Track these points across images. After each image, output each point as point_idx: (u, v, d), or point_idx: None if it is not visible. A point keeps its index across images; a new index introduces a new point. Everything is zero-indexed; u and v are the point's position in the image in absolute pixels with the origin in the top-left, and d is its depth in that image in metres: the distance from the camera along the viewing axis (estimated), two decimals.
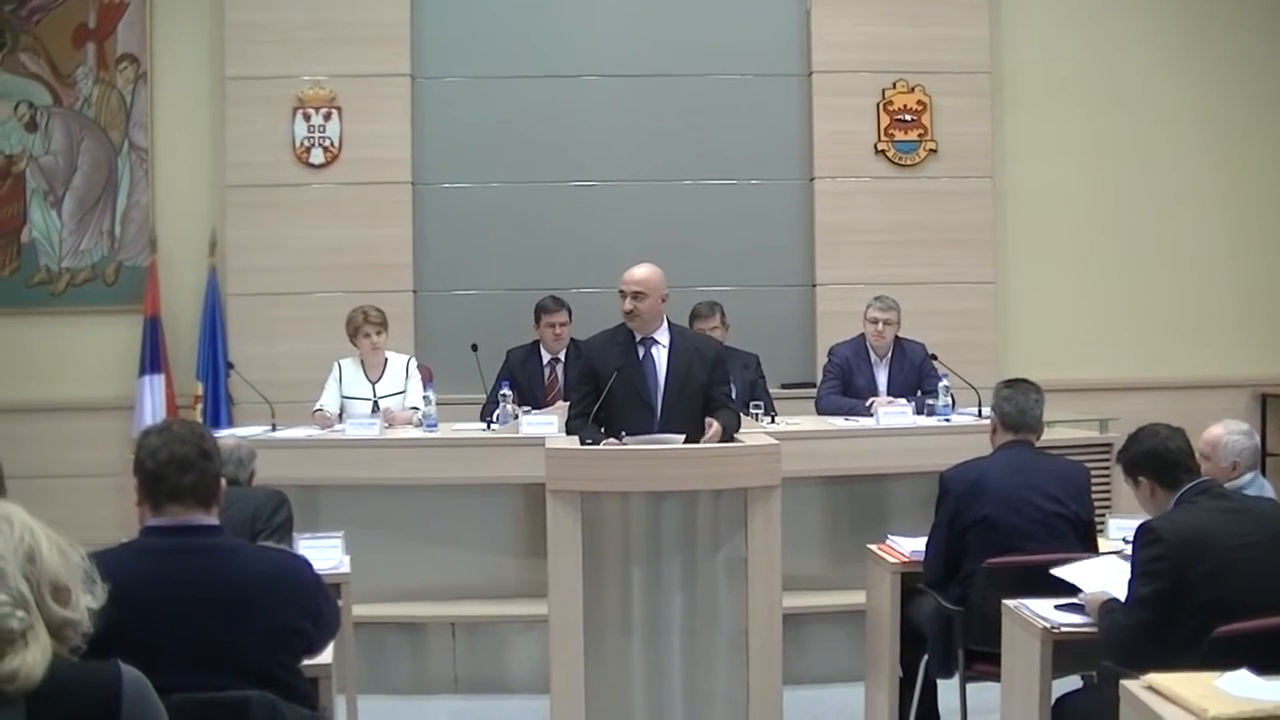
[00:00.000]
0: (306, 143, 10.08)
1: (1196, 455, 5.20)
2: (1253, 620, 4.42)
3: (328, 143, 10.09)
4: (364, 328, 8.26)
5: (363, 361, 8.36)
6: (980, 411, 8.03)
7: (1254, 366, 10.88)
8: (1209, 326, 10.86)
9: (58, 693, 2.80)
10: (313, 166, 10.11)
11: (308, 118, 10.07)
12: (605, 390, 6.39)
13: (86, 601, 2.94)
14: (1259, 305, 10.93)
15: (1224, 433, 6.07)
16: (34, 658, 2.78)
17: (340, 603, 5.57)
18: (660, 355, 6.61)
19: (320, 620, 3.95)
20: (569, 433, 6.56)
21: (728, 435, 6.36)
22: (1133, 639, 4.66)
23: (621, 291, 6.58)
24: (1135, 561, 4.76)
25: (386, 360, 8.39)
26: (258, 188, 10.04)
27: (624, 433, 6.20)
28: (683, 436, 6.18)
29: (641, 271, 6.61)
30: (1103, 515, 6.56)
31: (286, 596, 3.82)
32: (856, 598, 6.90)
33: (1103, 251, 10.79)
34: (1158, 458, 4.98)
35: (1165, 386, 10.34)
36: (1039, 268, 10.69)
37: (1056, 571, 5.24)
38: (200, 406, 9.81)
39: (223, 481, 3.95)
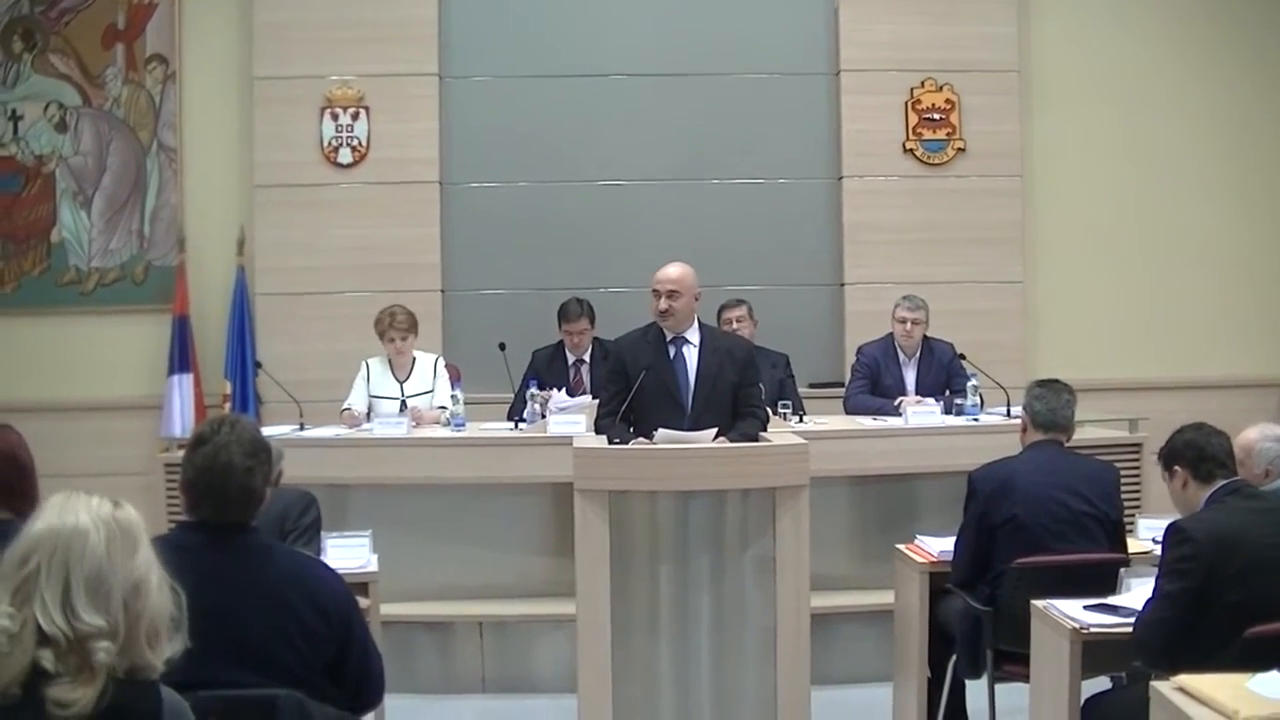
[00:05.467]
0: (335, 142, 10.09)
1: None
2: None
3: (356, 142, 10.10)
4: (389, 332, 8.28)
5: (390, 361, 8.37)
6: (1009, 411, 8.01)
7: None
8: (1237, 326, 10.79)
9: (100, 715, 2.78)
10: (341, 166, 10.12)
11: (336, 117, 10.09)
12: (635, 389, 6.38)
13: (170, 649, 2.92)
14: None
15: (1259, 438, 6.01)
16: (96, 692, 2.76)
17: (368, 601, 5.60)
18: (691, 355, 6.62)
19: (350, 636, 3.94)
20: (598, 432, 6.57)
21: (752, 439, 6.36)
22: (1157, 636, 4.67)
23: (656, 291, 6.58)
24: (1164, 560, 4.75)
25: (415, 360, 8.40)
26: (286, 187, 10.06)
27: (655, 430, 6.19)
28: (714, 430, 6.17)
29: (676, 270, 6.62)
30: (1132, 515, 6.54)
31: (318, 601, 3.83)
32: (884, 598, 6.89)
33: (1132, 251, 10.73)
34: (1196, 449, 5.00)
35: (1194, 386, 10.28)
36: (1068, 267, 10.64)
37: (1113, 600, 5.20)
38: (228, 406, 9.82)
39: (268, 490, 3.96)
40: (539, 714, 7.09)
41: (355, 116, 10.10)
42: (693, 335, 6.65)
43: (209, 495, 3.82)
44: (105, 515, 2.90)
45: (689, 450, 6.07)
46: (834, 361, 10.33)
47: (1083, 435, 6.78)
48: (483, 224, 10.26)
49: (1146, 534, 6.35)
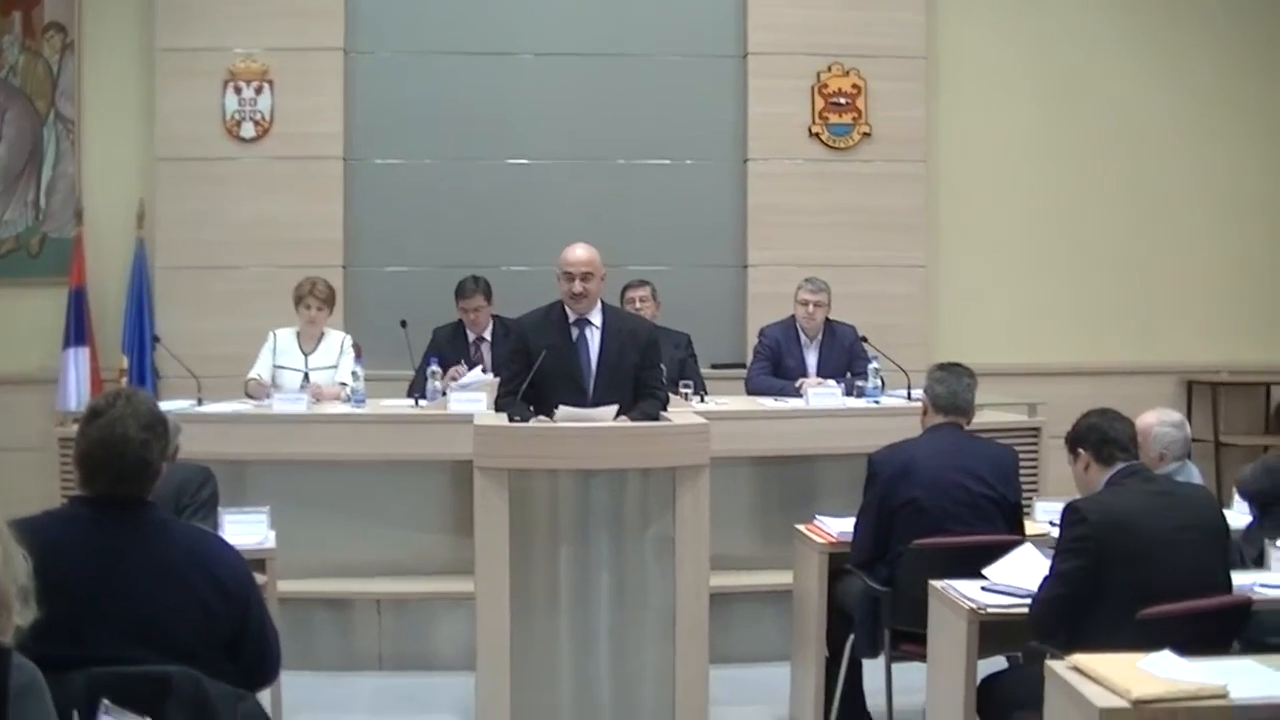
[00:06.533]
0: (238, 116, 9.98)
1: None
2: (1177, 603, 4.47)
3: (259, 116, 9.99)
4: (307, 298, 8.22)
5: (299, 333, 8.30)
6: (909, 394, 8.07)
7: (1181, 354, 10.99)
8: (1138, 313, 10.96)
9: None
10: (244, 140, 10.02)
11: (239, 91, 9.98)
12: (535, 368, 6.36)
13: (21, 618, 2.87)
14: (1187, 293, 11.04)
15: (1155, 422, 6.13)
16: None
17: (265, 578, 5.56)
18: (593, 336, 6.61)
19: (248, 612, 3.90)
20: (498, 410, 6.52)
21: (652, 419, 6.36)
22: (1052, 614, 4.74)
23: (569, 274, 6.55)
24: (1060, 539, 4.82)
25: (323, 335, 8.34)
26: (188, 161, 9.94)
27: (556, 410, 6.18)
28: (615, 409, 6.16)
29: (587, 253, 6.60)
30: (1030, 499, 6.61)
31: (216, 577, 3.79)
32: (783, 578, 6.91)
33: (1034, 238, 10.86)
34: (1100, 432, 5.06)
35: (1094, 372, 10.42)
36: (971, 253, 10.75)
37: (986, 573, 5.25)
38: (125, 380, 9.69)
39: (164, 464, 3.90)
40: (437, 691, 7.05)
41: (259, 90, 9.99)
42: (595, 316, 6.64)
43: (104, 469, 3.76)
44: None
45: (590, 429, 6.05)
46: (736, 342, 10.37)
47: (982, 419, 6.84)
48: (387, 200, 10.21)
49: (1044, 517, 6.42)
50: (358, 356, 8.31)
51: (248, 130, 10.00)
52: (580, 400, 6.37)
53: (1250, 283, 11.12)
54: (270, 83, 10.00)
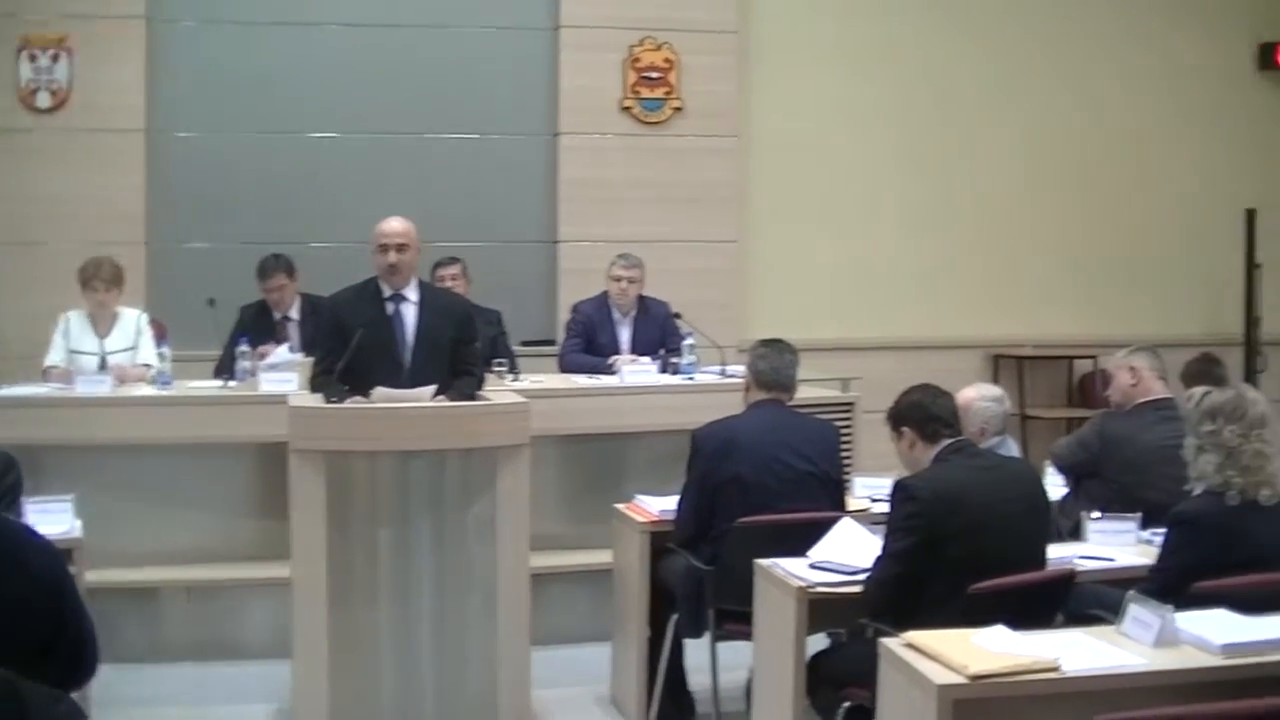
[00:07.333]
0: (32, 85, 9.65)
1: None
2: (1006, 577, 4.50)
3: (55, 86, 9.67)
4: (93, 281, 7.91)
5: (91, 316, 8.02)
6: (724, 370, 8.06)
7: (988, 329, 11.21)
8: (946, 289, 11.16)
9: None
10: (39, 110, 9.68)
11: (34, 59, 9.62)
12: (353, 346, 6.22)
13: None
14: (993, 270, 11.25)
15: (976, 397, 6.20)
16: None
17: (74, 568, 5.34)
18: (410, 312, 6.50)
19: (64, 605, 3.72)
20: (313, 390, 6.37)
21: (470, 398, 6.28)
22: (885, 593, 4.76)
23: (383, 246, 6.44)
24: (891, 518, 4.82)
25: (117, 315, 8.05)
26: None
27: (373, 389, 6.05)
28: (433, 388, 6.06)
29: (401, 224, 6.51)
30: (847, 473, 6.63)
31: (28, 570, 3.61)
32: (597, 557, 6.91)
33: (846, 213, 10.98)
34: (923, 409, 5.07)
35: (904, 346, 10.56)
36: (783, 228, 10.83)
37: (811, 553, 5.24)
38: None
39: None
40: (251, 680, 6.87)
41: (55, 58, 9.65)
42: (411, 293, 6.53)
43: None
44: None
45: (410, 409, 5.95)
46: (547, 319, 10.34)
47: (797, 395, 6.84)
48: (191, 175, 9.97)
49: (863, 492, 6.46)
50: (161, 336, 8.08)
51: (43, 100, 9.67)
52: (397, 377, 6.26)
53: (1054, 257, 11.37)
54: (68, 51, 9.66)
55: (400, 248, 6.43)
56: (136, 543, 7.21)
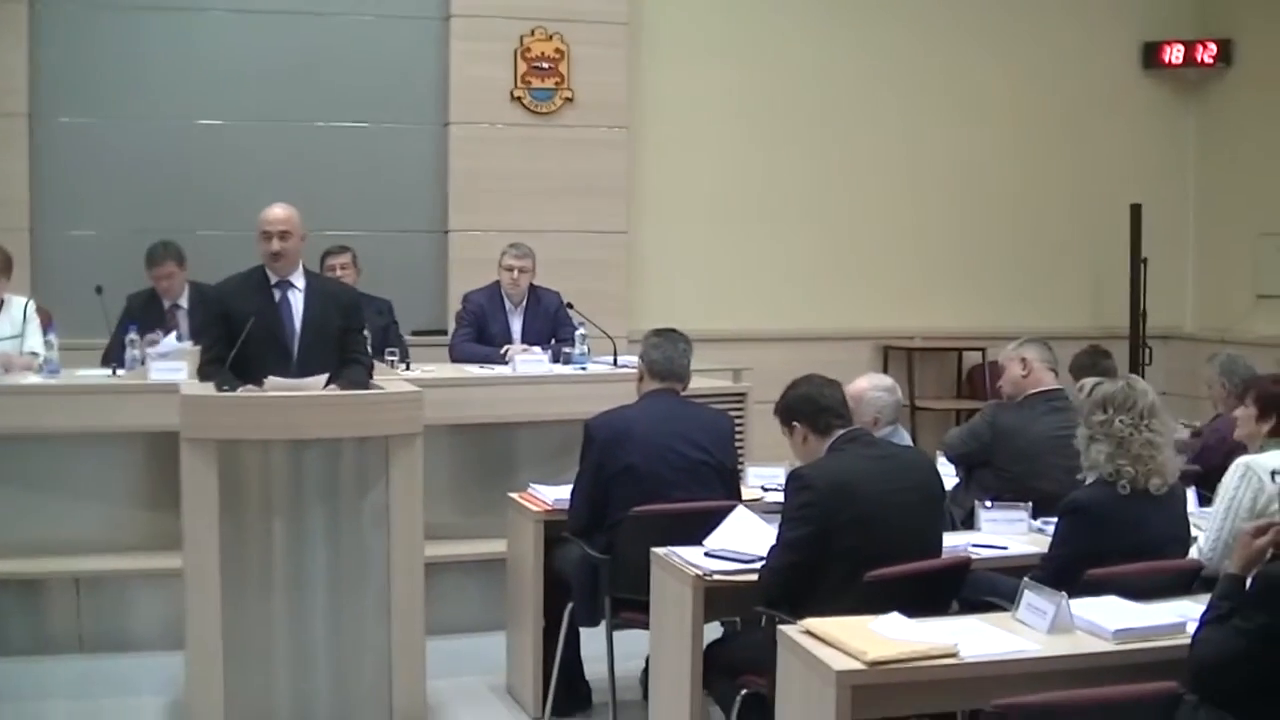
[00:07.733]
0: None
1: None
2: (900, 565, 4.54)
3: None
4: None
5: None
6: (616, 360, 8.08)
7: (876, 320, 11.34)
8: (836, 281, 11.27)
9: None
10: None
11: None
12: (242, 335, 6.16)
13: None
14: (882, 263, 11.37)
15: (868, 386, 6.27)
16: None
17: None
18: (297, 300, 6.46)
19: None
20: (202, 379, 6.30)
21: (361, 387, 6.25)
22: (780, 582, 4.76)
23: (266, 233, 6.39)
24: (785, 508, 4.84)
25: (2, 302, 7.91)
26: None
27: (264, 378, 5.99)
28: (324, 378, 6.02)
29: (283, 211, 6.46)
30: (740, 463, 6.65)
31: None
32: (489, 547, 6.95)
33: (737, 205, 11.04)
34: (812, 402, 5.06)
35: (794, 338, 10.62)
36: (672, 219, 10.87)
37: (706, 542, 5.27)
38: None
39: None
40: (142, 673, 6.78)
41: None
42: (298, 279, 6.49)
43: None
44: None
45: (303, 398, 5.90)
46: (437, 309, 10.32)
47: (689, 385, 6.87)
48: (75, 161, 9.79)
49: (756, 481, 6.51)
50: (48, 324, 7.95)
51: None
52: (286, 365, 6.23)
53: (943, 251, 11.51)
54: None
55: (283, 235, 6.39)
56: (23, 533, 7.11)
